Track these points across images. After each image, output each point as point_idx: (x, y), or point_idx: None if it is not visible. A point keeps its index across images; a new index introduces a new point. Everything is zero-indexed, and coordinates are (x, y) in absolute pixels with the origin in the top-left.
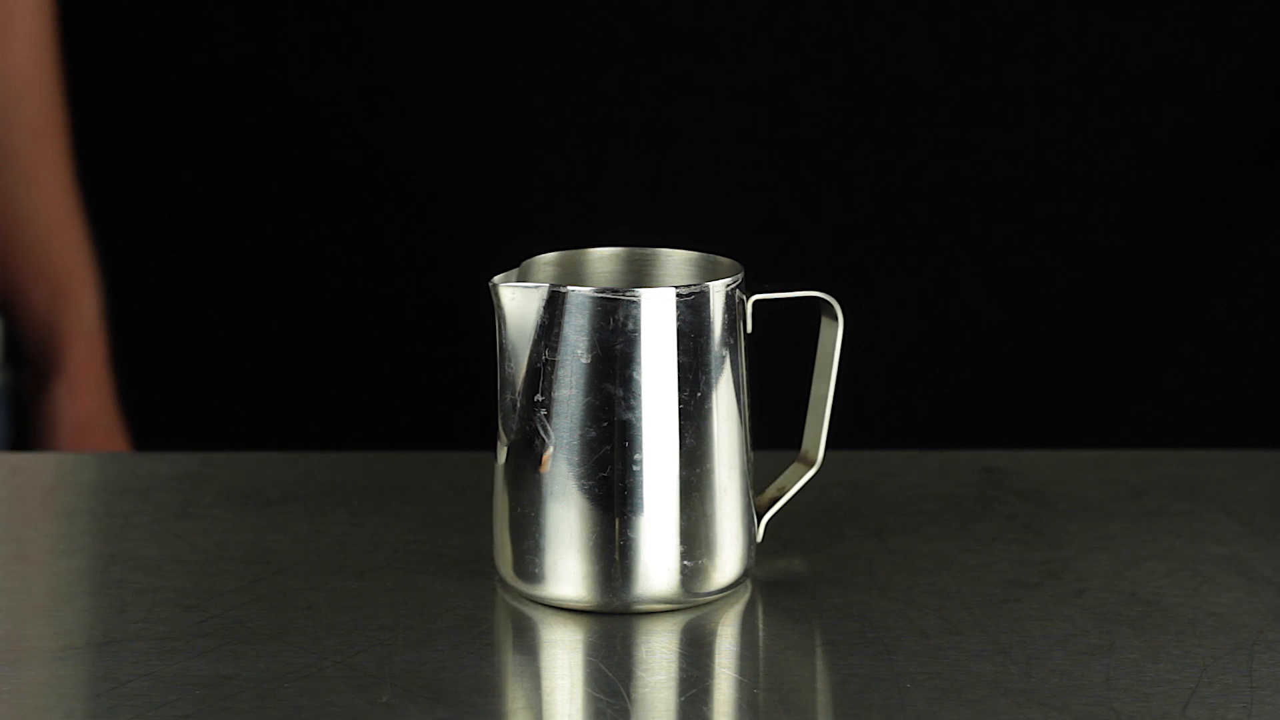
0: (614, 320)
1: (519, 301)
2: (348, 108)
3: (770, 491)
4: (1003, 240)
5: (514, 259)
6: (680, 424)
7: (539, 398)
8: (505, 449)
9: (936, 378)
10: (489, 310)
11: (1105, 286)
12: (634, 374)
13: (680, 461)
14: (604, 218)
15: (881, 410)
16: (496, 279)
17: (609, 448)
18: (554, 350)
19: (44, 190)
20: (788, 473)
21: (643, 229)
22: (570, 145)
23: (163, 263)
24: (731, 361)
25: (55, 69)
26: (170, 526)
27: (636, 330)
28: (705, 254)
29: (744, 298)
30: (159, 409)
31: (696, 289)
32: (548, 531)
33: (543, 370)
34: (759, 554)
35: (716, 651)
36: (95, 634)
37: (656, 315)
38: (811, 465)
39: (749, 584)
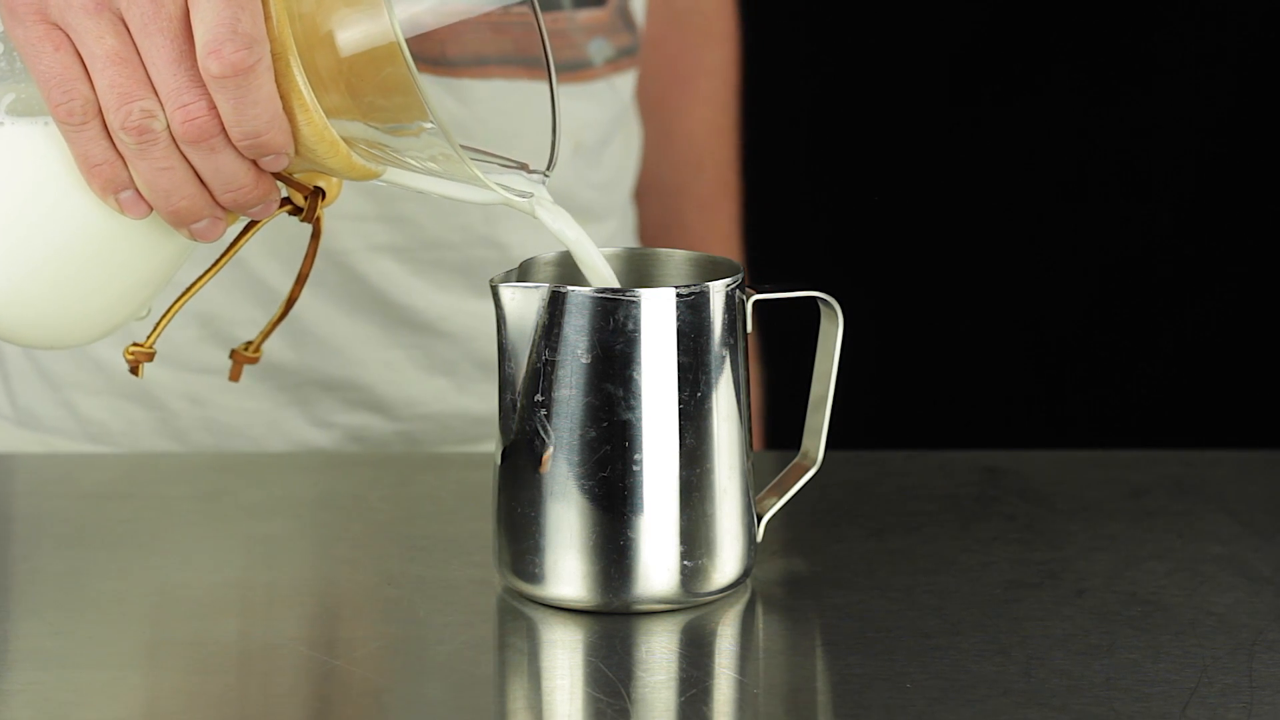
0: (614, 320)
1: (519, 301)
2: None
3: (770, 491)
4: (1003, 241)
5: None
6: (680, 424)
7: (539, 398)
8: (505, 449)
9: (936, 378)
10: None
11: (1105, 287)
12: (634, 374)
13: (680, 461)
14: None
15: (881, 410)
16: (496, 278)
17: (609, 448)
18: (554, 350)
19: None
20: (787, 472)
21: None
22: None
23: None
24: (731, 361)
25: (736, 135)
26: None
27: (636, 330)
28: (705, 254)
29: (744, 298)
30: None
31: (696, 289)
32: (548, 531)
33: (543, 370)
34: (759, 554)
35: (716, 651)
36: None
37: (656, 315)
38: (811, 465)
39: (749, 584)
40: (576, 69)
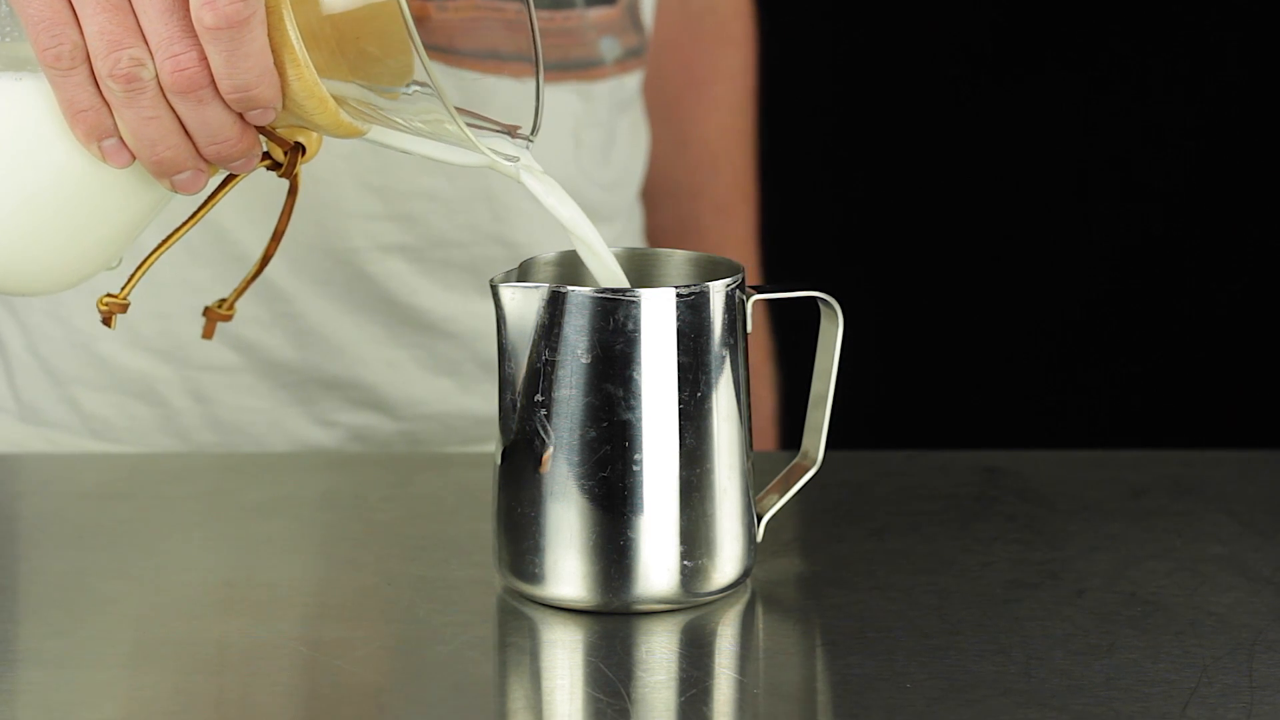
0: (614, 320)
1: (519, 301)
2: None
3: (770, 491)
4: (1004, 242)
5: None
6: (680, 424)
7: (539, 398)
8: (505, 449)
9: (936, 378)
10: None
11: (1106, 288)
12: (634, 374)
13: (680, 461)
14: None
15: (881, 410)
16: (496, 278)
17: (609, 448)
18: (554, 350)
19: None
20: (788, 472)
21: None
22: None
23: None
24: (731, 361)
25: (753, 138)
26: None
27: (636, 330)
28: (706, 254)
29: (744, 298)
30: None
31: (696, 289)
32: (548, 531)
33: (543, 370)
34: (759, 554)
35: (716, 651)
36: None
37: (656, 315)
38: (811, 465)
39: (749, 584)
40: (587, 67)
